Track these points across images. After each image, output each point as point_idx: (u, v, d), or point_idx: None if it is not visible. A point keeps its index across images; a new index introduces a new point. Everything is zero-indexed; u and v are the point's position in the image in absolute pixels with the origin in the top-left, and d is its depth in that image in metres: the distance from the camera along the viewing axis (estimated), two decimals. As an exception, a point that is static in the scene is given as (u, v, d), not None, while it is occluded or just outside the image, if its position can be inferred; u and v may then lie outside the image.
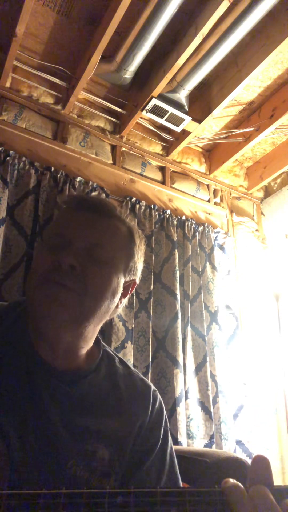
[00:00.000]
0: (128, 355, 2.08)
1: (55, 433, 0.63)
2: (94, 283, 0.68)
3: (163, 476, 0.72)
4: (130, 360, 2.07)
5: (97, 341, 0.79)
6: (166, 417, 0.80)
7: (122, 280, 0.75)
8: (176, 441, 1.98)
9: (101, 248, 0.71)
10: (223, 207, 3.03)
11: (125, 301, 0.80)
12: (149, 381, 0.83)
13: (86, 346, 0.74)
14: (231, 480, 0.43)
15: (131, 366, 0.83)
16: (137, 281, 0.81)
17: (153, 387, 0.82)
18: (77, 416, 0.67)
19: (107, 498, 0.40)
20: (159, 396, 0.82)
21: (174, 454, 0.77)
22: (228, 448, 2.14)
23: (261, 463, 0.46)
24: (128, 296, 0.80)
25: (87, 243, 0.70)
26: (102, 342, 0.81)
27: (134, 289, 0.80)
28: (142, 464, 0.71)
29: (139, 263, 0.81)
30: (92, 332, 0.73)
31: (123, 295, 0.78)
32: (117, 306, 0.76)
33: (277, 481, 2.43)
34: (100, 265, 0.70)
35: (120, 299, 0.77)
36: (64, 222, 0.74)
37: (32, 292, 0.67)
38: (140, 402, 0.76)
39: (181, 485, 0.75)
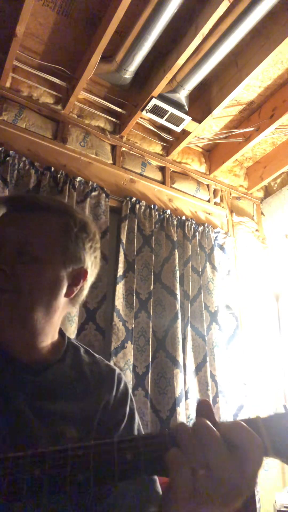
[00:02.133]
0: (128, 355, 2.08)
1: (24, 419, 0.67)
2: (27, 281, 0.70)
3: None
4: (130, 360, 2.07)
5: (61, 334, 0.83)
6: (132, 397, 0.85)
7: (63, 272, 0.76)
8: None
9: (30, 245, 0.72)
10: (223, 207, 3.03)
11: (85, 287, 0.83)
12: (114, 366, 0.87)
13: (47, 340, 0.76)
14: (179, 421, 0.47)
15: (96, 355, 0.87)
16: (89, 267, 0.82)
17: (118, 370, 0.86)
18: (45, 402, 0.70)
19: (69, 451, 0.45)
20: (124, 378, 0.86)
21: (142, 431, 0.82)
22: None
23: (204, 404, 0.51)
24: (82, 283, 0.81)
25: (15, 243, 0.72)
26: (66, 334, 0.85)
27: (88, 276, 0.81)
28: (110, 437, 0.76)
29: (85, 250, 0.81)
30: (49, 326, 0.76)
31: (74, 284, 0.79)
32: (71, 295, 0.79)
33: (278, 481, 2.43)
34: (31, 263, 0.72)
35: (72, 288, 0.78)
36: None
37: None
38: (104, 383, 0.80)
39: None
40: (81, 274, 0.80)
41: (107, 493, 0.69)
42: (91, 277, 0.84)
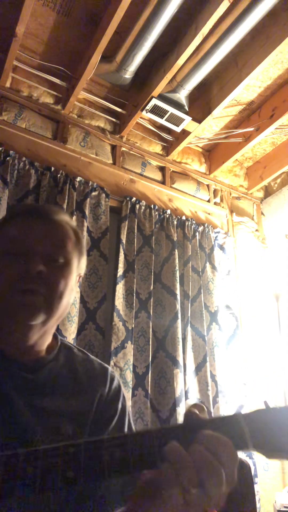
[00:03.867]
0: (128, 355, 2.08)
1: (20, 416, 0.69)
2: (56, 283, 0.74)
3: None
4: (130, 360, 2.07)
5: (54, 334, 0.86)
6: (124, 395, 0.87)
7: (76, 277, 0.82)
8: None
9: (60, 251, 0.77)
10: (223, 207, 3.03)
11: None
12: (106, 365, 0.89)
13: (48, 341, 0.80)
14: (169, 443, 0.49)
15: (89, 354, 0.90)
16: (82, 273, 0.88)
17: (110, 368, 0.88)
18: (40, 399, 0.72)
19: (61, 450, 0.47)
20: (117, 376, 0.89)
21: (133, 427, 0.85)
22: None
23: (190, 412, 0.53)
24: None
25: (46, 247, 0.75)
26: (57, 334, 0.88)
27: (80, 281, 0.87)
28: (102, 432, 0.78)
29: (84, 258, 0.87)
30: (54, 327, 0.81)
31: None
32: None
33: (278, 481, 2.43)
34: (61, 268, 0.76)
35: None
36: (21, 230, 0.78)
37: (3, 300, 0.72)
38: (97, 381, 0.83)
39: None
40: (79, 280, 0.86)
41: (96, 491, 0.71)
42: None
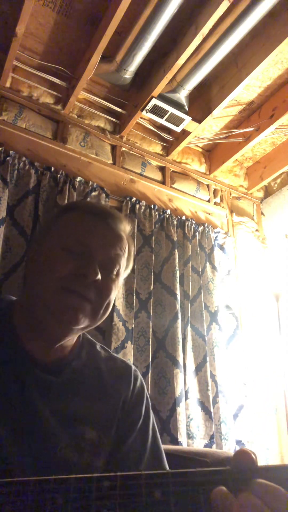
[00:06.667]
0: (128, 355, 2.08)
1: (44, 422, 0.66)
2: (107, 294, 0.73)
3: (146, 450, 0.76)
4: (130, 360, 2.07)
5: None
6: (148, 395, 0.84)
7: None
8: (176, 441, 1.98)
9: (116, 264, 0.76)
10: (223, 207, 3.03)
11: None
12: (130, 363, 0.88)
13: (74, 340, 0.80)
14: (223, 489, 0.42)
15: (111, 351, 0.88)
16: None
17: (134, 367, 0.86)
18: (63, 403, 0.70)
19: (94, 483, 0.42)
20: (140, 375, 0.86)
21: (157, 430, 0.82)
22: (228, 448, 2.14)
23: (242, 456, 0.45)
24: None
25: (106, 257, 0.74)
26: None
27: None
28: (127, 438, 0.75)
29: (126, 272, 0.85)
30: None
31: None
32: None
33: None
34: (112, 278, 0.75)
35: None
36: (85, 230, 0.75)
37: (49, 296, 0.69)
38: (122, 381, 0.80)
39: (165, 459, 0.80)
40: None
41: None
42: None
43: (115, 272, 0.75)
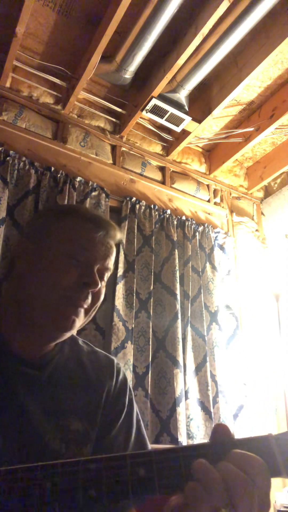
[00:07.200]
0: (128, 355, 2.08)
1: (30, 415, 0.68)
2: (99, 299, 0.77)
3: (131, 438, 0.80)
4: (130, 360, 2.07)
5: None
6: (131, 387, 0.87)
7: None
8: (176, 441, 1.98)
9: (108, 272, 0.80)
10: (223, 207, 3.03)
11: None
12: (112, 356, 0.89)
13: None
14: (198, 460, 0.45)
15: (93, 345, 0.90)
16: None
17: (116, 360, 0.88)
18: (49, 397, 0.72)
19: (81, 466, 0.44)
20: (122, 368, 0.88)
21: (141, 420, 0.85)
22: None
23: (220, 428, 0.49)
24: None
25: (102, 266, 0.77)
26: None
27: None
28: (112, 428, 0.78)
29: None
30: None
31: None
32: None
33: (278, 481, 2.43)
34: (103, 284, 0.78)
35: None
36: (88, 238, 0.77)
37: (51, 303, 0.71)
38: (104, 373, 0.83)
39: (149, 447, 0.84)
40: None
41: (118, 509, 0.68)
42: None
43: (105, 279, 0.79)
